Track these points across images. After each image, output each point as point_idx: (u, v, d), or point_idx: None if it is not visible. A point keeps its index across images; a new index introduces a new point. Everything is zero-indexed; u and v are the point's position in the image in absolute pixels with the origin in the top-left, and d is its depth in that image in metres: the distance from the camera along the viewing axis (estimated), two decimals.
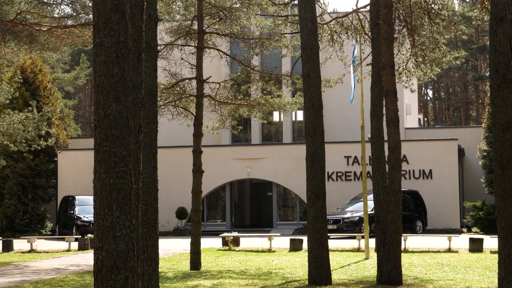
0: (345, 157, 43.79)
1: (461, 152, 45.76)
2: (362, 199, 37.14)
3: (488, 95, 43.67)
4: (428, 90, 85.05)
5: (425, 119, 75.65)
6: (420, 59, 24.07)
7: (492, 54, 14.47)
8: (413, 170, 42.94)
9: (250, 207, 50.89)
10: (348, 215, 37.77)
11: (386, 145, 18.84)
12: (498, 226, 15.10)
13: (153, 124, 16.21)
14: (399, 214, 18.75)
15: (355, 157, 43.60)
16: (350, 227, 36.92)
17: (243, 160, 45.02)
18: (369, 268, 22.27)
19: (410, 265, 22.61)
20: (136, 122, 10.51)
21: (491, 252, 26.67)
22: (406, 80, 25.27)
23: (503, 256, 15.04)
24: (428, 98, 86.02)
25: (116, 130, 8.81)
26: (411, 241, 31.18)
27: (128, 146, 8.88)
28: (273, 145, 46.97)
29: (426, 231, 40.34)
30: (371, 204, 33.20)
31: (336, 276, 20.07)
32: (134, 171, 9.08)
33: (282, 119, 49.94)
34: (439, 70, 25.29)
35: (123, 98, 8.88)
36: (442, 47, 23.83)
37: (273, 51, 30.17)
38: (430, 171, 42.86)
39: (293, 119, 50.79)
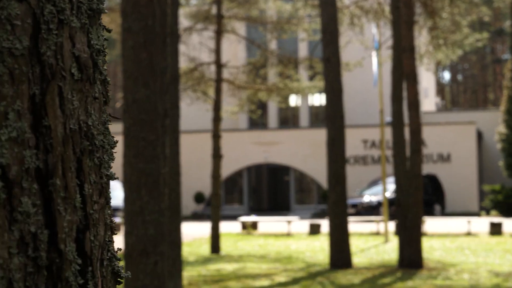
0: (362, 140, 43.73)
1: (479, 135, 45.61)
2: (380, 183, 37.13)
3: (507, 77, 43.39)
4: (445, 73, 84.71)
5: (443, 101, 75.36)
6: (442, 42, 23.95)
7: None
8: (431, 154, 42.84)
9: (267, 191, 50.97)
10: (367, 199, 37.76)
11: (404, 129, 18.81)
12: None
13: (176, 109, 16.22)
14: (420, 198, 18.75)
15: (373, 141, 43.53)
16: (369, 211, 36.91)
17: (260, 144, 45.04)
18: (389, 251, 22.27)
19: (430, 249, 22.59)
20: (162, 107, 10.52)
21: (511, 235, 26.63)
22: (428, 63, 25.18)
23: None
24: (445, 81, 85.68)
25: (144, 115, 8.83)
26: (430, 224, 31.14)
27: (157, 131, 8.90)
28: (290, 130, 46.96)
29: (444, 214, 40.28)
30: (389, 188, 33.14)
31: (356, 260, 20.09)
32: (161, 156, 9.10)
33: (299, 104, 49.87)
34: (460, 53, 25.19)
35: (151, 83, 8.90)
36: (463, 29, 23.71)
37: (291, 35, 30.09)
38: (448, 154, 42.75)
39: (310, 103, 50.73)
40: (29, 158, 1.13)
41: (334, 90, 18.92)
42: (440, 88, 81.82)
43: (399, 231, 19.19)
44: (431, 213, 39.05)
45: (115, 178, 1.28)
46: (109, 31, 1.30)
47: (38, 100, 1.15)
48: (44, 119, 1.15)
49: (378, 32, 26.46)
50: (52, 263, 1.14)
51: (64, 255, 1.15)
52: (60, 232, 1.15)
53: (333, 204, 18.75)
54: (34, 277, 1.12)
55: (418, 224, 18.71)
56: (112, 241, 1.28)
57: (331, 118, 18.86)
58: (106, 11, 1.25)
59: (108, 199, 1.26)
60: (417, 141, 19.04)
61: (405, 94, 19.47)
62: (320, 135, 41.27)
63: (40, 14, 1.16)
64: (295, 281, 17.03)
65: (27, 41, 1.14)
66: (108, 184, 1.26)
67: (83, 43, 1.22)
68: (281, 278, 17.46)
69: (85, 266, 1.20)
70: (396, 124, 19.74)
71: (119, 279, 1.28)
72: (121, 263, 1.33)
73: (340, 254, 18.61)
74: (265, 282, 17.01)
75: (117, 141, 1.27)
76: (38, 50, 1.16)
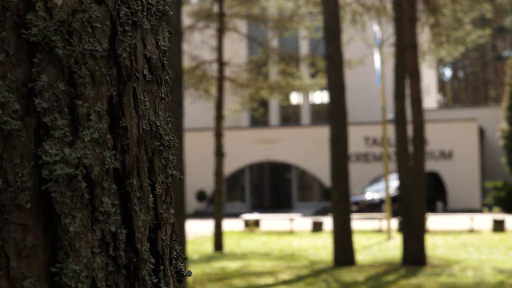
0: (364, 138, 43.74)
1: (481, 132, 45.62)
2: (381, 180, 37.15)
3: (508, 74, 43.39)
4: (446, 70, 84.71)
5: (444, 99, 75.38)
6: (444, 39, 23.95)
7: None
8: (433, 151, 42.85)
9: (269, 189, 51.00)
10: (369, 196, 37.76)
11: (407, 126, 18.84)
12: None
13: (179, 107, 16.22)
14: (423, 195, 18.77)
15: (374, 138, 43.54)
16: (371, 209, 36.91)
17: (262, 142, 45.05)
18: (392, 249, 22.28)
19: (433, 246, 22.60)
20: None
21: None
22: (430, 59, 25.18)
23: None
24: (446, 78, 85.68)
25: None
26: (432, 221, 31.15)
27: None
28: (292, 127, 46.96)
29: (446, 211, 40.29)
30: (391, 185, 33.17)
31: (360, 257, 20.11)
32: None
33: (301, 101, 49.88)
34: (462, 50, 25.19)
35: None
36: (465, 26, 23.71)
37: (292, 33, 30.10)
38: (450, 151, 42.76)
39: (312, 101, 50.73)
40: (109, 159, 1.14)
41: (336, 87, 18.92)
42: (441, 85, 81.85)
43: (402, 228, 19.21)
44: (433, 210, 39.06)
45: (179, 178, 1.29)
46: (171, 32, 1.31)
47: (115, 102, 1.16)
48: (121, 120, 1.16)
49: (380, 29, 26.46)
50: (130, 262, 1.16)
51: (141, 254, 1.16)
52: (137, 231, 1.16)
53: (337, 202, 18.76)
54: (115, 276, 1.13)
55: (422, 221, 18.72)
56: (177, 240, 1.29)
57: (334, 115, 18.87)
58: (171, 12, 1.27)
59: (172, 199, 1.28)
60: (420, 139, 19.05)
61: (407, 91, 19.48)
62: (322, 132, 41.31)
63: (116, 16, 1.18)
64: (299, 278, 17.05)
65: (106, 43, 1.16)
66: (172, 184, 1.28)
67: (152, 45, 1.24)
68: (285, 276, 17.48)
69: (157, 265, 1.21)
70: (399, 121, 19.74)
71: (180, 278, 1.29)
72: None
73: (344, 251, 18.63)
74: (270, 279, 17.02)
75: (178, 141, 1.28)
76: (115, 52, 1.18)
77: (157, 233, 1.22)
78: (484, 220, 32.13)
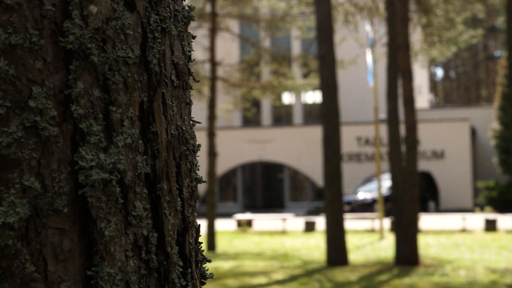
0: (356, 138, 43.81)
1: (473, 132, 45.73)
2: (373, 180, 37.22)
3: (500, 74, 43.51)
4: (438, 70, 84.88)
5: (436, 98, 75.55)
6: (436, 39, 24.01)
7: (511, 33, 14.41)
8: (425, 151, 42.94)
9: (261, 189, 51.03)
10: (361, 196, 37.81)
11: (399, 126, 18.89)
12: None
13: None
14: (415, 195, 18.81)
15: (367, 138, 43.60)
16: (363, 208, 36.97)
17: (255, 142, 45.07)
18: (385, 248, 22.33)
19: (426, 246, 22.66)
20: None
21: (506, 231, 26.70)
22: (422, 59, 25.25)
23: None
24: (437, 78, 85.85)
25: None
26: (425, 221, 31.22)
27: None
28: (284, 127, 47.00)
29: (438, 211, 40.39)
30: (383, 185, 33.21)
31: (352, 257, 20.14)
32: None
33: (293, 101, 49.92)
34: (454, 50, 25.27)
35: None
36: (458, 26, 23.78)
37: (285, 33, 30.13)
38: (442, 151, 42.86)
39: (304, 101, 50.77)
40: (140, 164, 1.16)
41: (329, 87, 18.95)
42: (433, 85, 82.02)
43: (395, 228, 19.25)
44: (425, 209, 39.16)
45: (203, 182, 1.31)
46: (193, 37, 1.33)
47: (145, 107, 1.18)
48: (152, 125, 1.18)
49: (372, 29, 26.51)
50: (160, 265, 1.17)
51: (171, 258, 1.18)
52: (167, 235, 1.18)
53: (329, 202, 18.79)
54: (147, 279, 1.15)
55: (414, 221, 18.77)
56: (201, 243, 1.31)
57: (327, 116, 18.88)
58: (195, 18, 1.28)
59: (196, 202, 1.29)
60: (413, 138, 19.11)
61: (400, 91, 19.52)
62: (314, 132, 41.37)
63: (146, 23, 1.20)
64: (293, 278, 17.07)
65: (138, 50, 1.18)
66: (196, 188, 1.30)
67: (179, 51, 1.26)
68: (278, 276, 17.50)
69: (185, 268, 1.23)
70: (392, 121, 19.77)
71: (204, 280, 1.31)
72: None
73: (337, 251, 18.67)
74: (263, 279, 17.04)
75: (200, 145, 1.30)
76: (146, 58, 1.19)
77: (185, 237, 1.24)
78: (476, 220, 32.21)
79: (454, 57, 78.16)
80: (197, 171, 1.30)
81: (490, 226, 28.00)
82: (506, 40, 20.88)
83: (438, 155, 42.91)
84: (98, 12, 1.15)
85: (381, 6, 24.37)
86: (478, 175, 46.64)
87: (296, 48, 44.46)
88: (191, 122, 1.31)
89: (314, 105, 49.99)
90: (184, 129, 1.26)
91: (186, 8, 1.30)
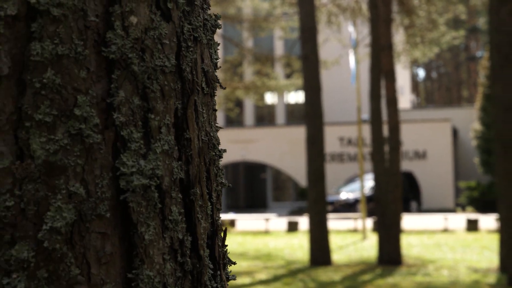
0: (339, 138, 43.91)
1: (454, 132, 45.95)
2: (356, 180, 37.33)
3: (481, 75, 43.74)
4: (419, 70, 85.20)
5: (418, 99, 75.83)
6: (418, 39, 24.14)
7: (494, 33, 14.49)
8: (407, 151, 43.10)
9: (244, 189, 51.06)
10: (344, 196, 37.90)
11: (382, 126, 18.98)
12: (499, 206, 15.20)
13: None
14: (398, 196, 18.90)
15: (349, 138, 43.72)
16: (346, 208, 37.06)
17: (237, 142, 45.08)
18: (368, 248, 22.41)
19: (408, 246, 22.76)
20: None
21: (488, 231, 26.86)
22: (405, 60, 25.38)
23: (505, 236, 15.18)
24: (419, 78, 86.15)
25: None
26: (407, 221, 31.34)
27: None
28: (266, 127, 47.05)
29: (420, 211, 40.55)
30: (366, 185, 33.33)
31: (336, 257, 20.21)
32: None
33: (275, 101, 49.98)
34: (437, 51, 25.42)
35: None
36: (440, 27, 23.92)
37: (268, 33, 30.18)
38: (424, 152, 43.05)
39: (286, 101, 50.84)
40: (176, 169, 1.20)
41: (312, 88, 18.99)
42: (415, 86, 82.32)
43: (378, 228, 19.34)
44: (407, 209, 39.30)
45: (228, 186, 1.35)
46: (218, 44, 1.36)
47: (179, 114, 1.22)
48: (186, 132, 1.22)
49: (355, 30, 26.60)
50: (194, 268, 1.20)
51: (203, 260, 1.21)
52: (199, 238, 1.21)
53: (313, 202, 18.84)
54: (182, 281, 1.19)
55: (397, 221, 18.86)
56: (227, 246, 1.34)
57: (310, 116, 18.93)
58: (221, 26, 1.32)
59: (221, 205, 1.33)
60: (396, 139, 19.20)
61: (383, 91, 19.62)
62: (297, 133, 41.45)
63: (180, 32, 1.23)
64: (276, 278, 17.11)
65: (173, 58, 1.21)
66: (221, 192, 1.33)
67: (208, 59, 1.29)
68: (262, 276, 17.53)
69: (215, 270, 1.26)
70: (375, 121, 19.85)
71: (227, 282, 1.34)
72: None
73: (320, 251, 18.73)
74: (246, 279, 17.06)
75: (225, 150, 1.34)
76: (180, 67, 1.23)
77: (214, 240, 1.28)
78: (458, 220, 32.38)
79: (435, 58, 78.48)
80: (223, 175, 1.34)
81: (472, 226, 28.15)
82: (488, 41, 21.09)
83: (420, 155, 43.09)
84: (137, 23, 1.18)
85: (364, 7, 24.47)
86: (460, 175, 46.87)
87: (279, 48, 44.52)
88: (217, 127, 1.35)
89: (296, 105, 50.07)
90: (212, 135, 1.30)
91: (213, 16, 1.33)
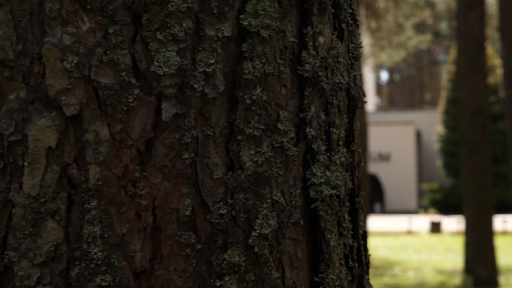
0: None
1: (418, 135, 46.30)
2: None
3: (444, 78, 44.18)
4: (382, 73, 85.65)
5: (381, 101, 76.25)
6: (385, 43, 24.36)
7: (462, 39, 14.63)
8: (371, 153, 43.31)
9: None
10: None
11: None
12: (465, 209, 15.36)
13: None
14: (365, 198, 19.04)
15: None
16: None
17: None
18: None
19: (374, 247, 22.88)
20: None
21: (451, 234, 27.10)
22: (371, 64, 25.59)
23: (471, 239, 15.37)
24: (382, 81, 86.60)
25: None
26: (371, 223, 31.49)
27: None
28: None
29: (384, 213, 40.79)
30: None
31: None
32: None
33: None
34: (403, 55, 25.68)
35: None
36: (407, 31, 24.16)
37: None
38: (388, 154, 43.32)
39: None
40: (348, 180, 1.29)
41: None
42: (378, 88, 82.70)
43: None
44: (371, 211, 39.49)
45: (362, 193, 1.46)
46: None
47: (346, 128, 1.31)
48: (351, 144, 1.32)
49: None
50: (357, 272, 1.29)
51: (363, 264, 1.30)
52: (361, 244, 1.30)
53: None
54: (351, 285, 1.28)
55: (364, 223, 19.03)
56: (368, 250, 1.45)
57: None
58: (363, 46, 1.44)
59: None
60: (363, 141, 19.33)
61: None
62: None
63: (347, 51, 1.32)
64: None
65: (347, 76, 1.31)
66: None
67: (359, 75, 1.38)
68: None
69: (367, 274, 1.35)
70: None
71: None
72: None
73: None
74: None
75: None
76: (349, 83, 1.33)
77: (365, 244, 1.37)
78: (421, 222, 32.62)
79: (399, 61, 78.88)
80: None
81: (435, 228, 28.40)
82: (451, 46, 21.35)
83: (384, 157, 43.38)
84: (324, 43, 1.29)
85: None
86: (423, 177, 47.22)
87: None
88: None
89: None
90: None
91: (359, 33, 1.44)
